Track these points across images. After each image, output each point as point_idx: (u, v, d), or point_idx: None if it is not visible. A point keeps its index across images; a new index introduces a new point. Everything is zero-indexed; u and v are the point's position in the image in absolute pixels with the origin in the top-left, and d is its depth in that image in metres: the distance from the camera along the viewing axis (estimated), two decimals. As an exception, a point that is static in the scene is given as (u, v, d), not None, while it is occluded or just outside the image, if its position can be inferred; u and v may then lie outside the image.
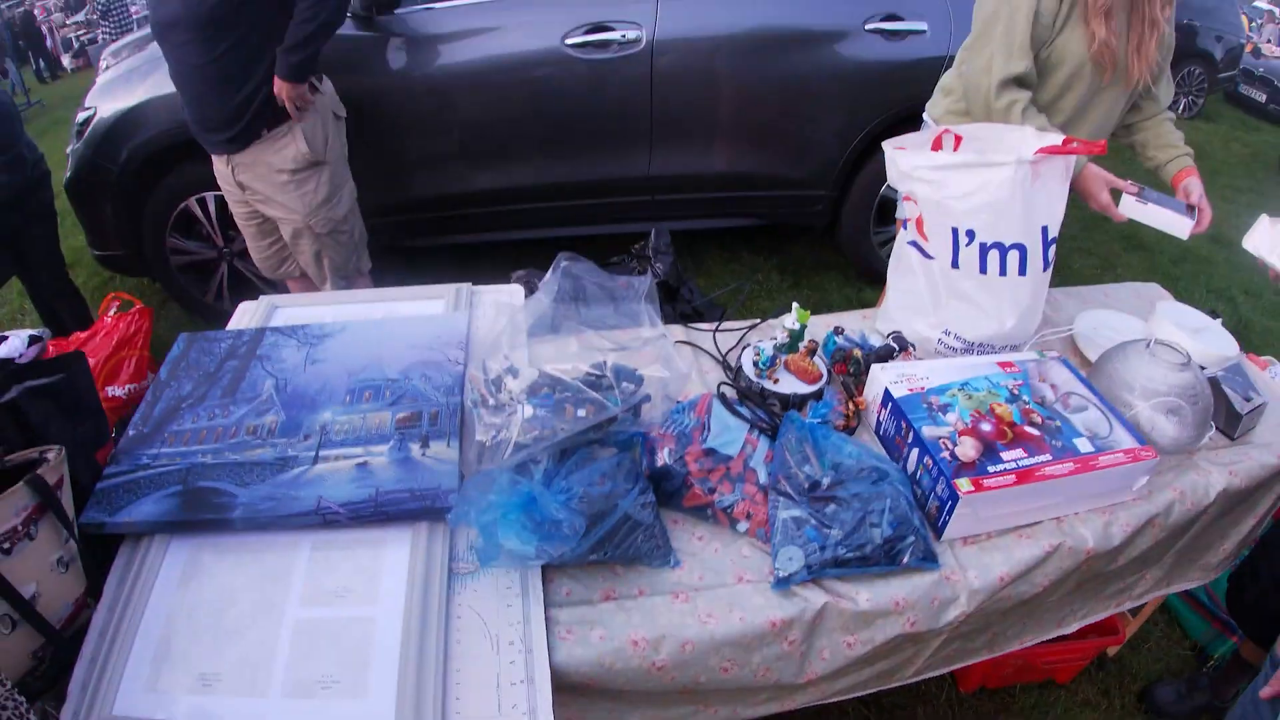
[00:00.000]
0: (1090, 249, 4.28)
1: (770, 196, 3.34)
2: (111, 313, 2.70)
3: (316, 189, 2.26)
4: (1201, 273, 4.40)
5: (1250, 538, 1.64)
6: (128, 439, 1.20)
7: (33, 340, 2.54)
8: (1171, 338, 1.67)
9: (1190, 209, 1.70)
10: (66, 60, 13.34)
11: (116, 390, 2.63)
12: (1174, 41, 1.82)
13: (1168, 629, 2.15)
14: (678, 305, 2.10)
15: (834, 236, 3.61)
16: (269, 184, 2.24)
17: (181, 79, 2.16)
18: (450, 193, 3.08)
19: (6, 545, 0.85)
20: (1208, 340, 1.66)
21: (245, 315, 1.55)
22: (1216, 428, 1.49)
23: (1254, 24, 17.11)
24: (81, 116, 2.92)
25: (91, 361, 2.57)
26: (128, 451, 1.18)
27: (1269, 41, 16.50)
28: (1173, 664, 2.07)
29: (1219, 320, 1.96)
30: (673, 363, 1.07)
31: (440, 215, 3.15)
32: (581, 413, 1.02)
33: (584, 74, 2.90)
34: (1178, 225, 1.67)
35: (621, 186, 3.17)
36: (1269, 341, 3.82)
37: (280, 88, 2.09)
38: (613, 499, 0.98)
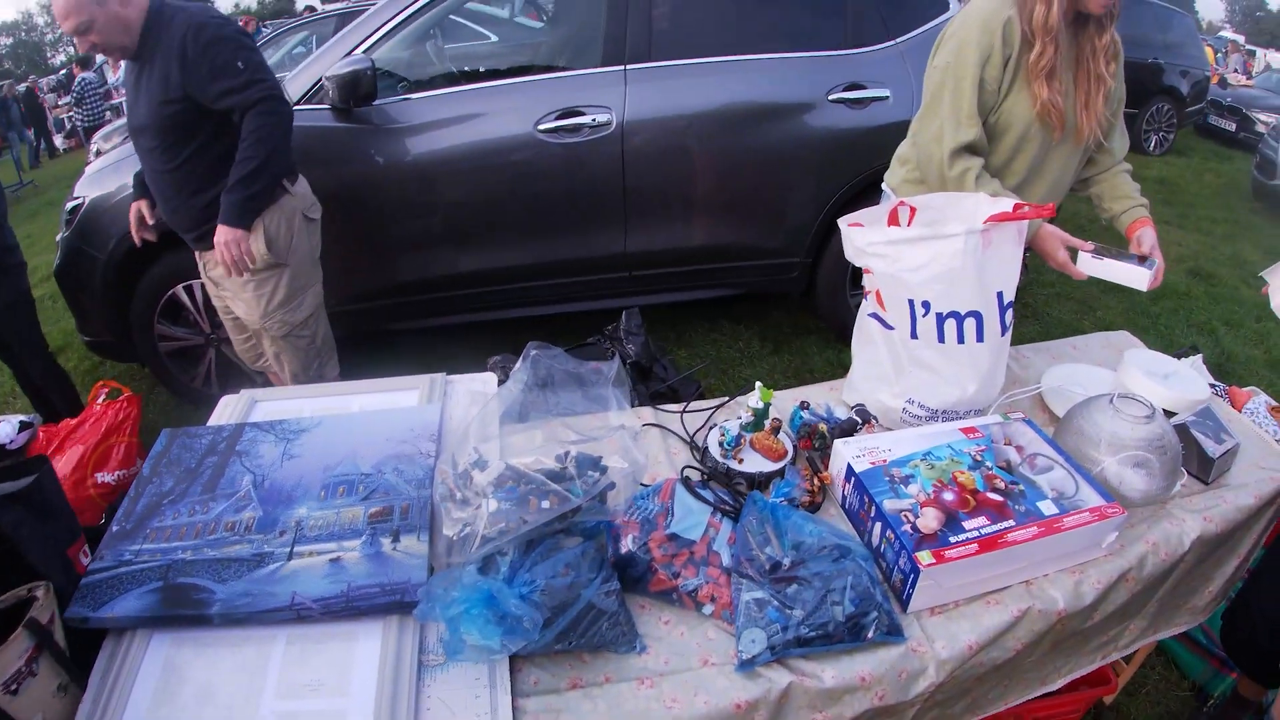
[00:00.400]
0: (1068, 293, 4.35)
1: (746, 266, 3.40)
2: (100, 400, 2.74)
3: (274, 291, 2.27)
4: (1181, 308, 4.47)
5: (1237, 576, 1.64)
6: (111, 535, 1.23)
7: (23, 426, 2.57)
8: (1140, 386, 1.68)
9: (1143, 259, 1.73)
10: (59, 140, 13.61)
11: (106, 476, 2.66)
12: (1124, 94, 1.87)
13: (1165, 671, 2.12)
14: (651, 384, 2.11)
15: (811, 301, 3.66)
16: (232, 282, 2.26)
17: (151, 181, 2.22)
18: (431, 276, 3.14)
19: (14, 687, 0.90)
20: (1177, 385, 1.67)
21: (226, 409, 1.58)
22: (1189, 473, 1.50)
23: (1219, 54, 17.54)
24: (70, 205, 3.01)
25: (81, 448, 2.63)
26: (111, 547, 1.20)
27: (1235, 71, 16.93)
28: (1172, 706, 2.04)
29: (1199, 356, 1.97)
30: (631, 453, 1.10)
31: (423, 299, 3.21)
32: (545, 504, 1.04)
33: (558, 157, 2.98)
34: (1136, 278, 1.70)
35: (599, 264, 3.24)
36: (1252, 370, 3.86)
37: (219, 235, 2.07)
38: (575, 589, 1.00)
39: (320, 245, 2.47)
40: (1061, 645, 1.35)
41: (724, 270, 3.39)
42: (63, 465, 2.55)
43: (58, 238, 3.08)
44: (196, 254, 2.35)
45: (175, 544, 1.21)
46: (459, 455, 1.18)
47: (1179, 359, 2.04)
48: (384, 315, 3.22)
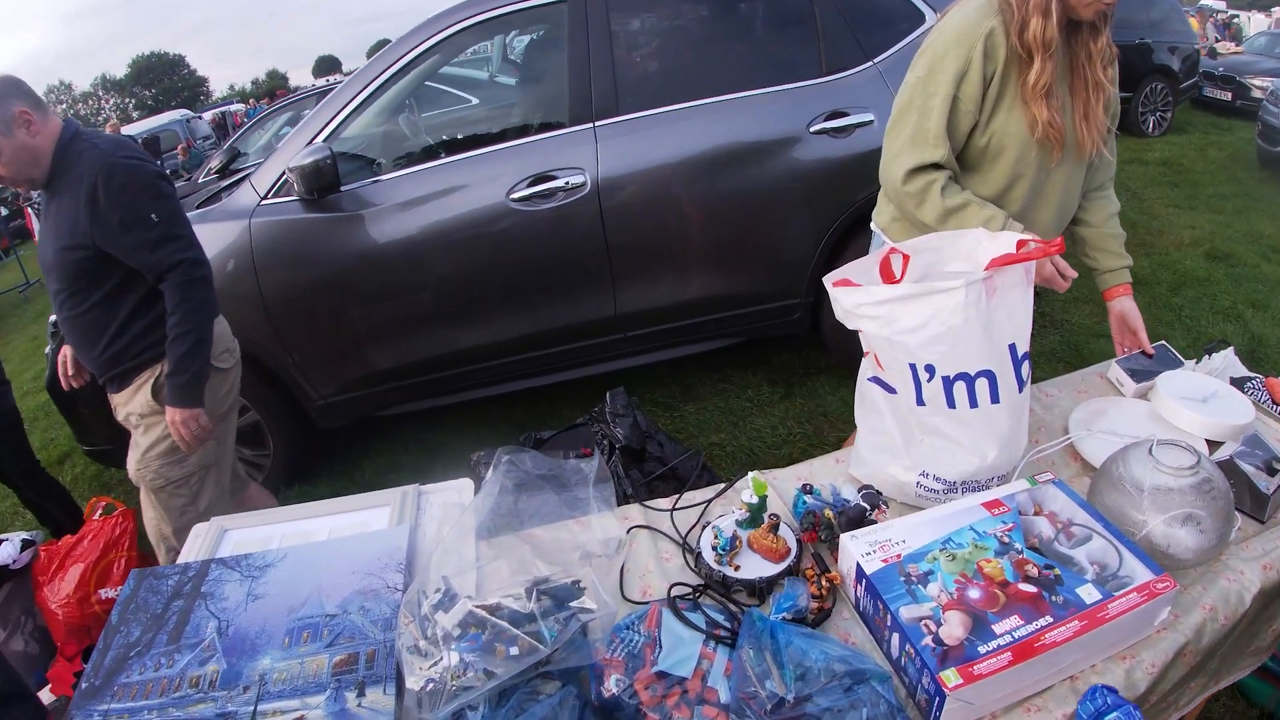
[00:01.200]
0: (1087, 296, 4.12)
1: (744, 313, 3.25)
2: (97, 515, 2.70)
3: (158, 440, 2.09)
4: (1204, 295, 4.29)
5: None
6: (80, 693, 1.19)
7: (25, 545, 2.55)
8: (1177, 416, 1.56)
9: (1169, 353, 1.78)
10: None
11: (109, 592, 2.65)
12: (1119, 101, 1.74)
13: (1229, 701, 1.97)
14: (646, 466, 1.92)
15: (818, 339, 3.51)
16: (129, 424, 2.14)
17: (59, 324, 2.09)
18: (419, 358, 3.05)
19: None
20: (1219, 409, 1.54)
21: (197, 540, 1.51)
22: (1243, 513, 1.35)
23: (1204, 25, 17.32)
24: (53, 318, 2.96)
25: (82, 566, 2.60)
26: (81, 708, 1.16)
27: (1219, 39, 16.71)
28: (1242, 738, 1.88)
29: (1230, 349, 1.83)
30: (599, 594, 0.97)
31: (413, 382, 3.12)
32: (514, 650, 0.93)
33: (535, 225, 2.88)
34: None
35: (591, 329, 3.12)
36: (1288, 350, 3.68)
37: (170, 416, 1.98)
38: (550, 750, 0.88)
39: (232, 395, 2.25)
40: (1118, 729, 1.20)
41: (722, 320, 3.24)
42: (66, 584, 2.55)
43: (46, 350, 3.04)
44: (108, 394, 2.17)
45: (141, 703, 1.16)
46: (425, 589, 1.08)
47: (1209, 355, 1.90)
48: (374, 402, 3.14)
